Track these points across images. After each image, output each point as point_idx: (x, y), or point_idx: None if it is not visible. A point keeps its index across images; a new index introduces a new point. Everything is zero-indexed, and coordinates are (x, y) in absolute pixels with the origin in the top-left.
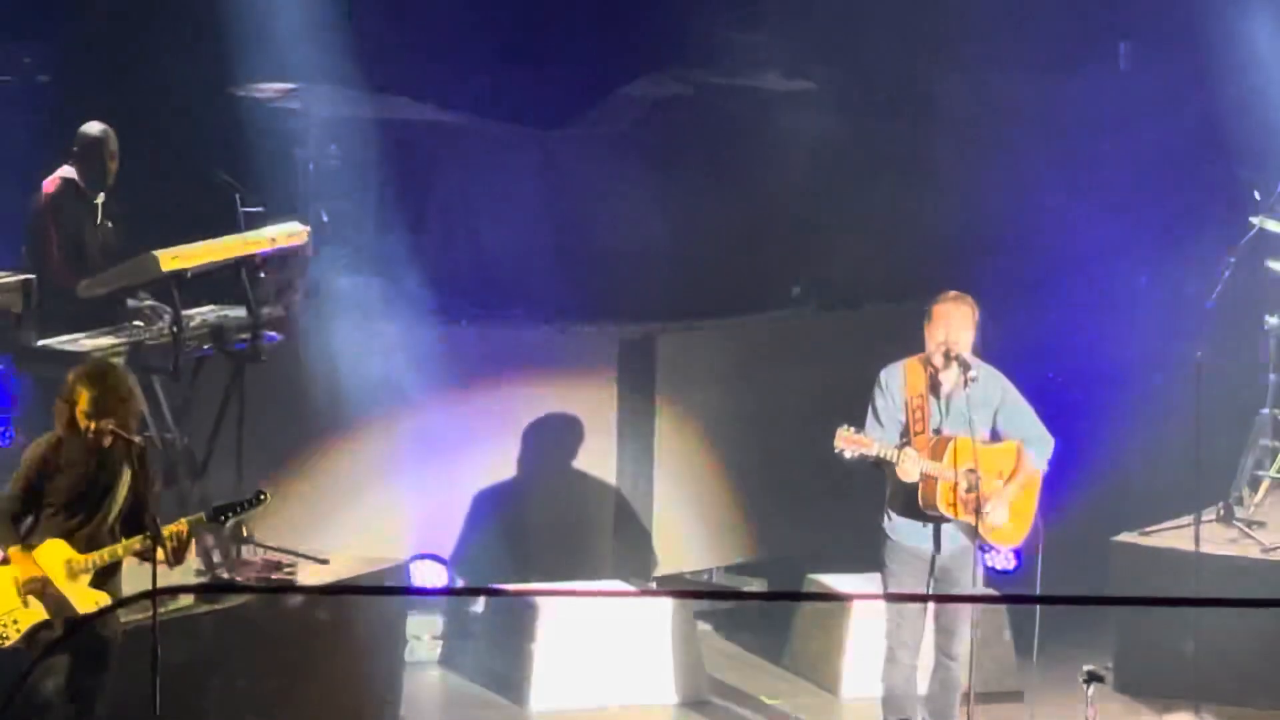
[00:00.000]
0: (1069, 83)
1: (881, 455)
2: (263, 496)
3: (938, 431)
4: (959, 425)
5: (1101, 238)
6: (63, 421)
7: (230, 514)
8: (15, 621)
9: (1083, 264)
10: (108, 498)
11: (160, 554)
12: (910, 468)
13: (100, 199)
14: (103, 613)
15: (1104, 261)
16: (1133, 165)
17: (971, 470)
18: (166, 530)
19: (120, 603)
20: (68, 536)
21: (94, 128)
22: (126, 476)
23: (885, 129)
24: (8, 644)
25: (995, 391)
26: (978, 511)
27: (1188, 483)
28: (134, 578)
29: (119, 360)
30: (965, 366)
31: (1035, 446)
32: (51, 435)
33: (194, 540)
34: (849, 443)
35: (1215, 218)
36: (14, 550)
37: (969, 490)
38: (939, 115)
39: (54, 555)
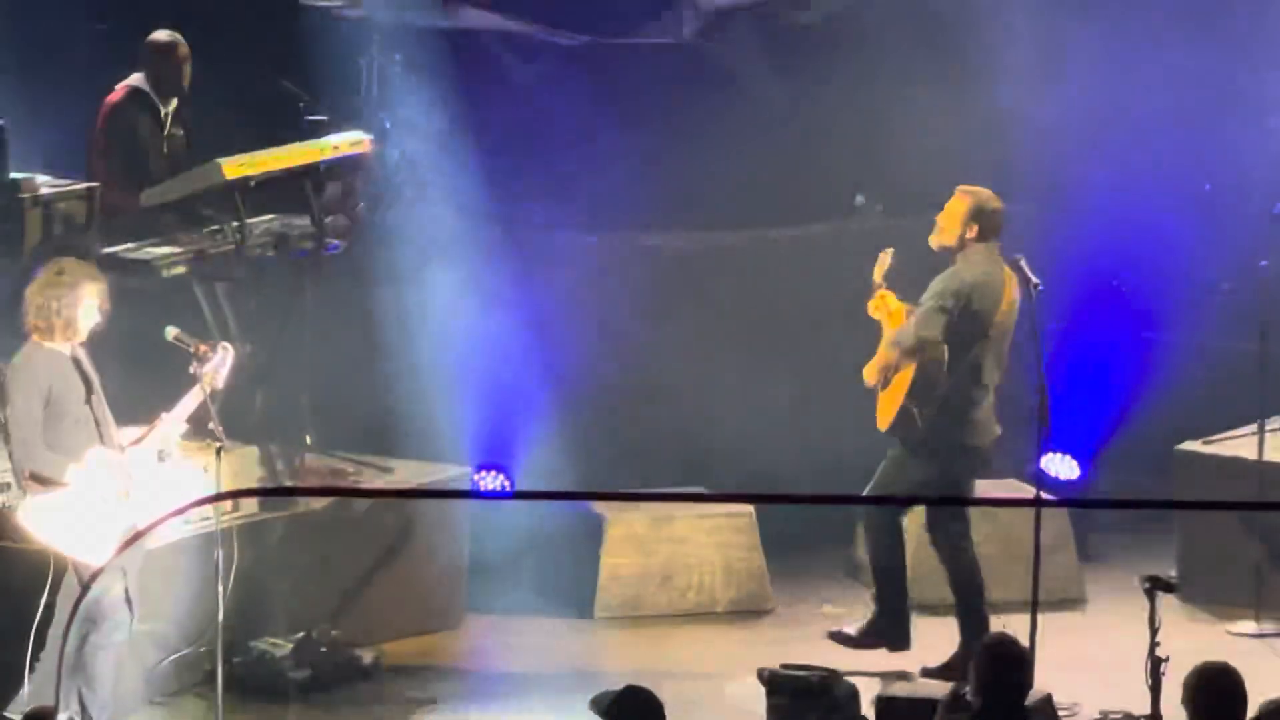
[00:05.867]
0: None
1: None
2: (225, 346)
3: None
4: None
5: (1167, 145)
6: (74, 328)
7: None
8: None
9: (1146, 171)
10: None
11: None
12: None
13: (172, 106)
14: (166, 518)
15: (1168, 168)
16: (1198, 72)
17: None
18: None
19: (186, 507)
20: (91, 445)
21: (162, 35)
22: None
23: (948, 33)
24: None
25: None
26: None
27: (1252, 391)
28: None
29: (180, 268)
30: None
31: None
32: (33, 352)
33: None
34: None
35: None
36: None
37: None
38: (1003, 19)
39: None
